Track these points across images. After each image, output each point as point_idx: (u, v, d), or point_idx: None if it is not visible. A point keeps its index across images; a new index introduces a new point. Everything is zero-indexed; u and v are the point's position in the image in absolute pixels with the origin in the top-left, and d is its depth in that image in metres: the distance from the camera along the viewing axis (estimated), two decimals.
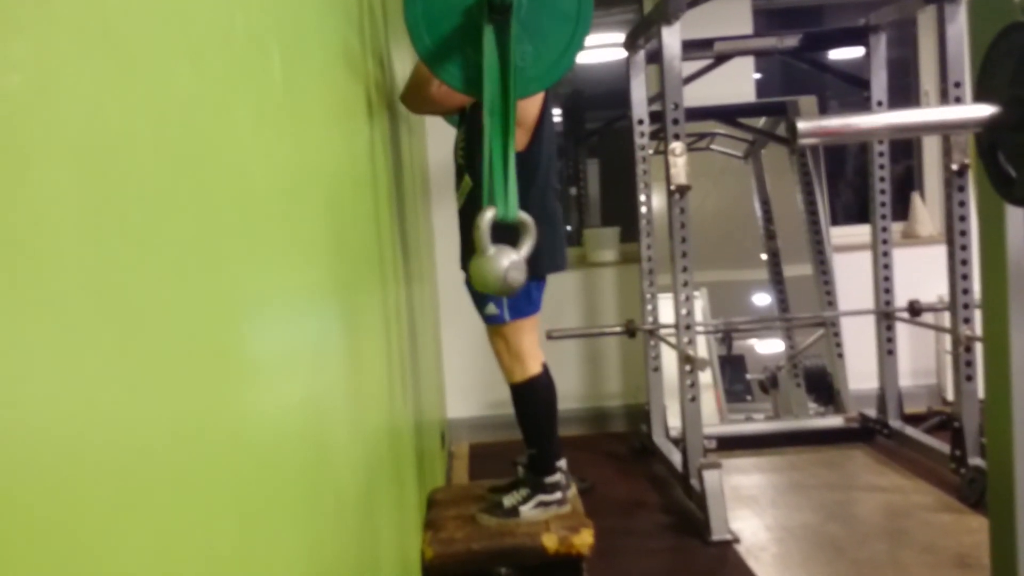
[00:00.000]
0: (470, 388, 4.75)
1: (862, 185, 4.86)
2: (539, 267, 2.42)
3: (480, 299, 2.54)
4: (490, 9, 1.39)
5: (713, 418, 4.60)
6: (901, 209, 4.98)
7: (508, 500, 2.56)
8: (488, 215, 1.40)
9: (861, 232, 4.68)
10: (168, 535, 0.60)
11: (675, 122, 3.43)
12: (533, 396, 2.59)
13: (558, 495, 2.57)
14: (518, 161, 2.35)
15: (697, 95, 4.33)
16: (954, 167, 3.49)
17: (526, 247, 1.42)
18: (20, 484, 0.41)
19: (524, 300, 2.51)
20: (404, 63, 3.12)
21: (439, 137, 4.88)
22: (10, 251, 0.41)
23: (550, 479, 2.56)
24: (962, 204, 3.53)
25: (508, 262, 1.39)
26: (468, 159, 2.53)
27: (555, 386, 2.63)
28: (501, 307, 2.51)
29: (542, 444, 2.59)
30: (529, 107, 2.38)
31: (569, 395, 2.89)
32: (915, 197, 5.05)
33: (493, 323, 2.55)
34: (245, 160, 0.87)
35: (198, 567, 0.65)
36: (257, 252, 0.89)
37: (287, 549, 0.94)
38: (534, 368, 2.58)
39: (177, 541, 0.61)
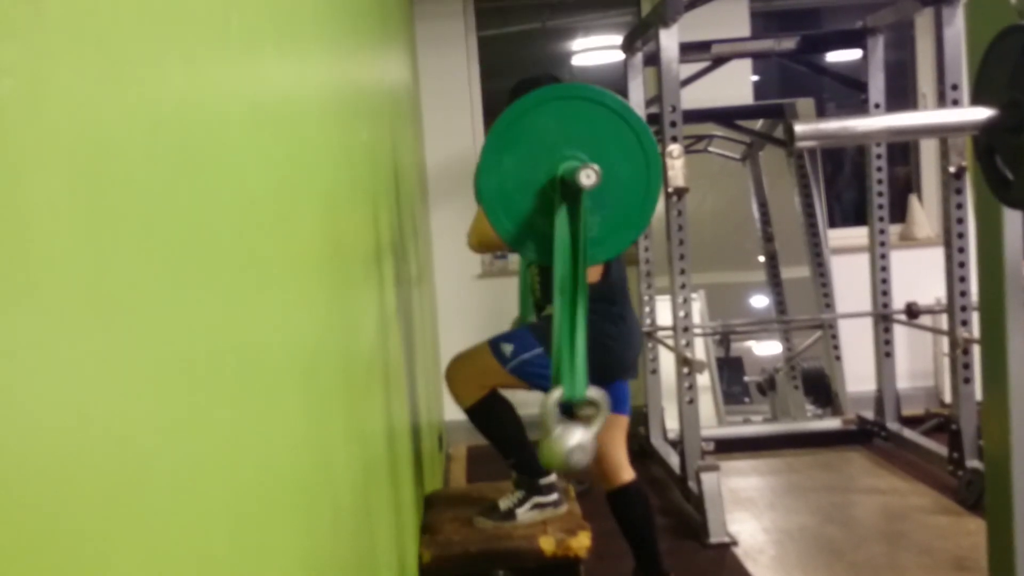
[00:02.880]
0: None
1: (860, 187, 4.86)
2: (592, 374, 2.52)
3: (506, 335, 2.60)
4: (563, 186, 1.43)
5: (711, 420, 4.60)
6: (899, 211, 4.98)
7: (504, 503, 2.56)
8: (554, 396, 1.43)
9: (859, 234, 4.69)
10: (162, 538, 0.59)
11: (673, 124, 3.43)
12: (484, 419, 2.62)
13: (554, 496, 2.56)
14: (594, 291, 2.43)
15: (695, 97, 4.33)
16: (952, 169, 3.49)
17: (596, 425, 1.44)
18: (17, 485, 0.41)
19: (540, 372, 2.52)
20: (402, 68, 3.12)
21: (437, 140, 4.89)
22: (5, 253, 0.41)
23: (544, 480, 2.56)
24: (959, 206, 3.53)
25: (574, 444, 1.43)
26: (544, 293, 2.62)
27: (506, 401, 2.64)
28: (516, 355, 2.54)
29: (516, 452, 2.61)
30: None
31: None
32: (912, 199, 5.06)
33: (494, 356, 2.55)
34: (241, 161, 0.87)
35: (192, 570, 0.65)
36: (253, 254, 0.89)
37: (283, 552, 0.93)
38: (469, 401, 2.60)
39: (172, 544, 0.61)
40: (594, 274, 2.50)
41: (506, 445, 2.63)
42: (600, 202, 1.45)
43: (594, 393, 1.44)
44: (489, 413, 2.62)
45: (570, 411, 1.46)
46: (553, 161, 1.46)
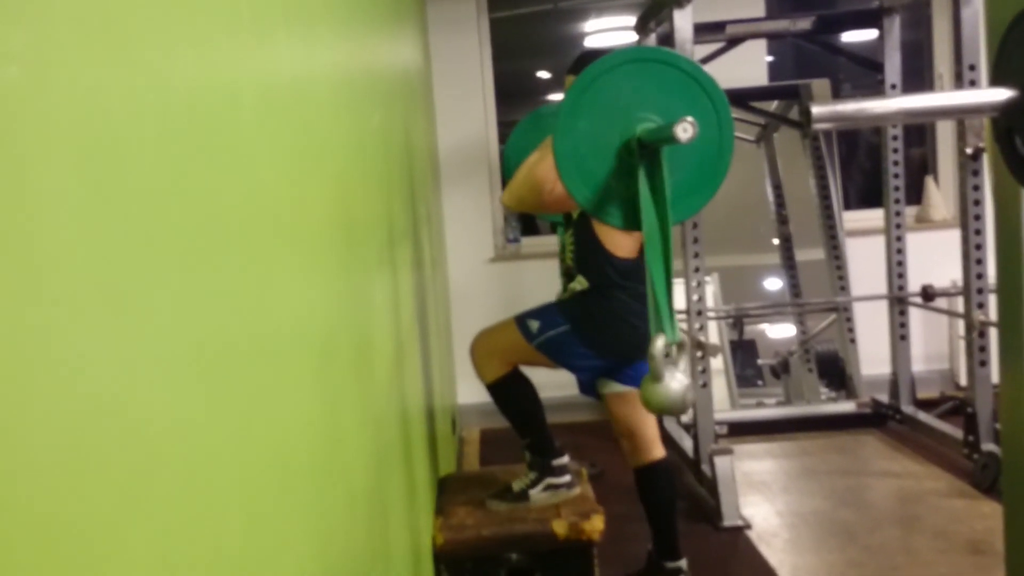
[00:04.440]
0: None
1: (875, 169, 4.82)
2: (602, 348, 2.54)
3: (533, 312, 2.61)
4: (640, 147, 1.45)
5: (724, 404, 4.59)
6: (914, 193, 4.94)
7: (517, 484, 2.57)
8: (660, 342, 1.46)
9: (874, 216, 4.65)
10: (176, 528, 0.59)
11: None
12: (505, 395, 2.63)
13: (567, 477, 2.57)
14: (627, 266, 2.40)
15: None
16: (968, 151, 3.46)
17: (683, 365, 1.49)
18: (26, 483, 0.41)
19: (565, 352, 2.56)
20: (414, 51, 3.10)
21: (449, 123, 4.87)
22: (12, 249, 0.41)
23: (557, 461, 2.57)
24: (976, 188, 3.50)
25: (682, 386, 1.48)
26: (580, 263, 2.61)
27: (528, 381, 2.65)
28: (543, 332, 2.55)
29: (533, 432, 2.62)
30: None
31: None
32: (929, 181, 5.01)
33: (521, 332, 2.55)
34: (252, 147, 0.87)
35: (206, 558, 0.65)
36: (265, 241, 0.89)
37: (297, 537, 0.93)
38: (491, 376, 2.61)
39: (185, 533, 0.61)
40: (633, 248, 2.51)
41: (524, 424, 2.63)
42: (675, 163, 1.47)
43: (681, 336, 1.49)
44: (510, 391, 2.63)
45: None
46: (628, 124, 1.47)
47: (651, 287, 1.49)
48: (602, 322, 2.49)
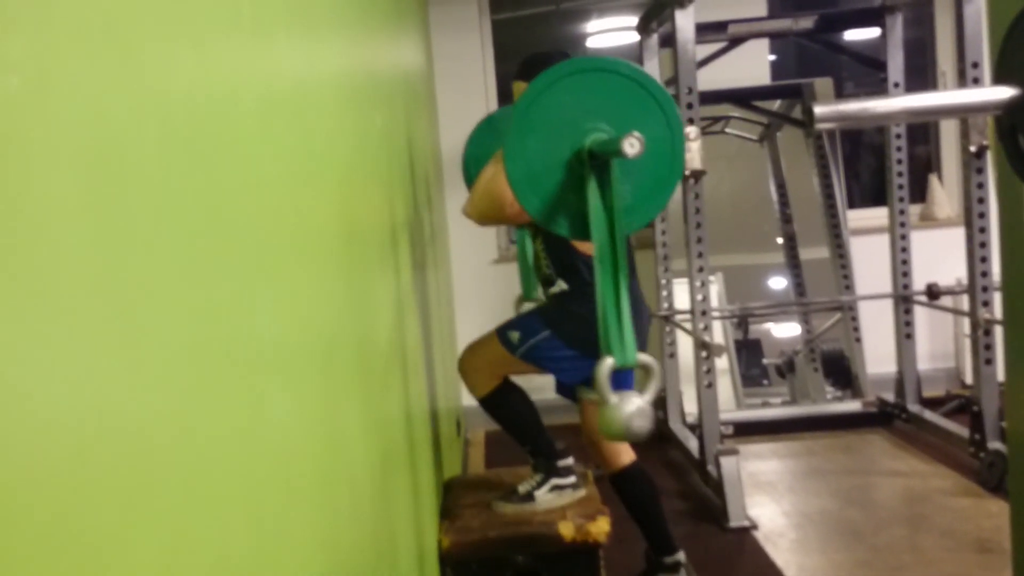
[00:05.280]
0: None
1: (879, 167, 4.81)
2: (593, 349, 2.52)
3: (512, 323, 2.63)
4: (591, 158, 1.42)
5: (730, 404, 4.59)
6: (919, 191, 4.93)
7: (523, 486, 2.57)
8: (606, 365, 1.41)
9: (878, 215, 4.64)
10: (179, 531, 0.59)
11: (689, 106, 3.40)
12: (500, 408, 2.65)
13: (572, 478, 2.57)
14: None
15: (711, 78, 4.29)
16: (972, 149, 3.45)
17: (651, 391, 1.42)
18: (27, 485, 0.41)
19: (550, 358, 2.56)
20: (416, 53, 3.10)
21: (452, 124, 4.87)
22: (13, 251, 0.41)
23: (562, 463, 2.57)
24: (981, 186, 3.49)
25: (633, 410, 1.40)
26: (556, 267, 2.61)
27: (520, 389, 2.66)
28: (524, 342, 2.56)
29: (532, 438, 2.63)
30: None
31: None
32: (933, 179, 5.00)
33: (502, 343, 2.56)
34: (254, 150, 0.86)
35: (210, 562, 0.65)
36: (268, 243, 0.89)
37: (302, 540, 0.93)
38: (483, 390, 2.63)
39: (189, 537, 0.61)
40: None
41: (522, 432, 2.65)
42: (628, 170, 1.45)
43: (645, 358, 1.43)
44: (503, 403, 2.65)
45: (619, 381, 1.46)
46: (576, 136, 1.45)
47: (601, 304, 1.44)
48: (583, 321, 2.49)
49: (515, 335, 2.57)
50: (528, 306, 3.00)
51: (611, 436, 1.44)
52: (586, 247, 2.50)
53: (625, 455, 2.69)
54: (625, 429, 1.40)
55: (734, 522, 3.22)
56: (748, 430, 4.23)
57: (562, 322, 2.53)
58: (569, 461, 2.60)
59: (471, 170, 2.92)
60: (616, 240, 1.44)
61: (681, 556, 2.67)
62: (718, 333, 4.54)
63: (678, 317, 4.16)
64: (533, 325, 2.56)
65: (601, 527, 2.40)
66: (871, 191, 5.60)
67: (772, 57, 5.16)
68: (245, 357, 0.78)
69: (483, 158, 2.66)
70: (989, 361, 3.51)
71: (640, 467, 2.72)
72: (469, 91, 4.93)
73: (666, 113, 1.49)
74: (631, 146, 1.34)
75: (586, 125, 1.46)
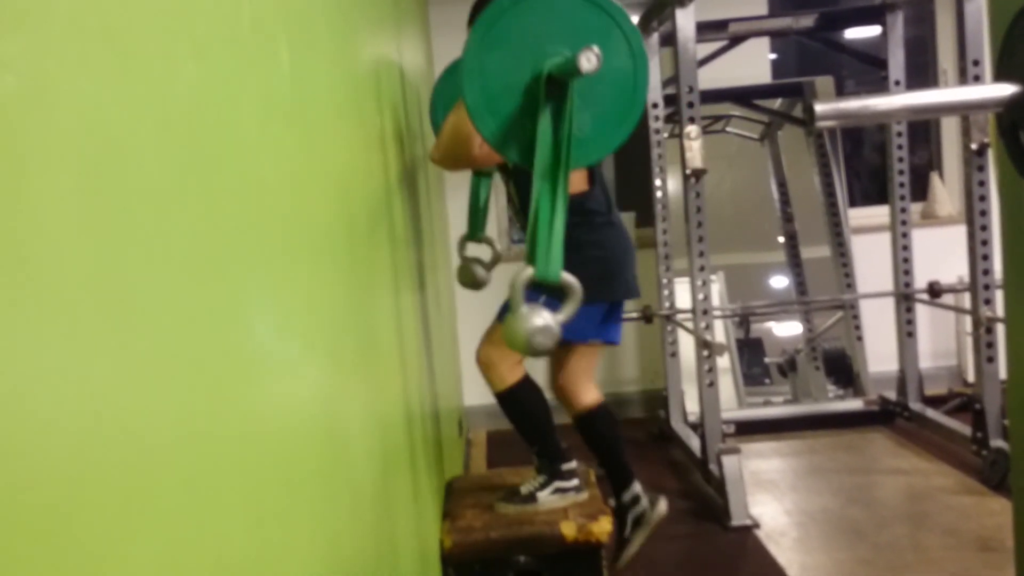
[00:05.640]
0: None
1: (880, 165, 4.81)
2: (591, 295, 2.46)
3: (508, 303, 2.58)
4: (549, 84, 1.40)
5: (731, 403, 4.59)
6: (920, 189, 4.92)
7: (525, 487, 2.56)
8: (524, 275, 1.38)
9: (880, 213, 4.64)
10: (179, 533, 0.59)
11: (690, 105, 3.40)
12: (517, 403, 2.61)
13: (575, 482, 2.56)
14: (580, 200, 2.39)
15: (712, 77, 4.29)
16: (973, 146, 3.45)
17: (567, 311, 1.40)
18: (26, 485, 0.41)
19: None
20: (416, 54, 3.10)
21: None
22: (12, 253, 0.41)
23: (566, 466, 2.56)
24: (982, 184, 3.49)
25: (539, 324, 1.37)
26: (525, 208, 2.54)
27: (538, 389, 2.64)
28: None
29: (541, 440, 2.61)
30: None
31: None
32: (934, 177, 5.00)
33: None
34: (253, 156, 0.86)
35: (210, 564, 0.65)
36: (267, 247, 0.89)
37: (303, 542, 0.93)
38: (512, 378, 2.59)
39: (188, 539, 0.61)
40: (578, 183, 2.49)
41: (533, 433, 2.63)
42: (588, 100, 1.42)
43: (568, 278, 1.41)
44: (521, 400, 2.61)
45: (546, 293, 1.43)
46: (537, 59, 1.42)
47: (532, 218, 1.42)
48: (571, 269, 2.45)
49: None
50: (472, 247, 2.97)
51: (513, 346, 1.42)
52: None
53: (590, 395, 2.69)
54: (527, 341, 1.38)
55: (736, 521, 3.22)
56: (750, 429, 4.22)
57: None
58: (573, 464, 2.58)
59: (438, 115, 2.87)
60: (561, 163, 1.42)
61: (637, 486, 2.69)
62: (719, 332, 4.54)
63: (679, 316, 4.16)
64: (529, 296, 2.54)
65: (603, 527, 2.40)
66: (872, 189, 5.59)
67: (773, 56, 5.16)
68: (244, 358, 0.78)
69: (451, 103, 2.57)
70: (991, 359, 3.51)
71: (605, 408, 2.73)
72: None
73: (631, 45, 1.46)
74: (588, 60, 1.31)
75: (547, 49, 1.43)
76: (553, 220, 1.42)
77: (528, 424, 2.62)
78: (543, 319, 1.37)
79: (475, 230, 2.86)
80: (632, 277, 2.70)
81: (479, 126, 1.46)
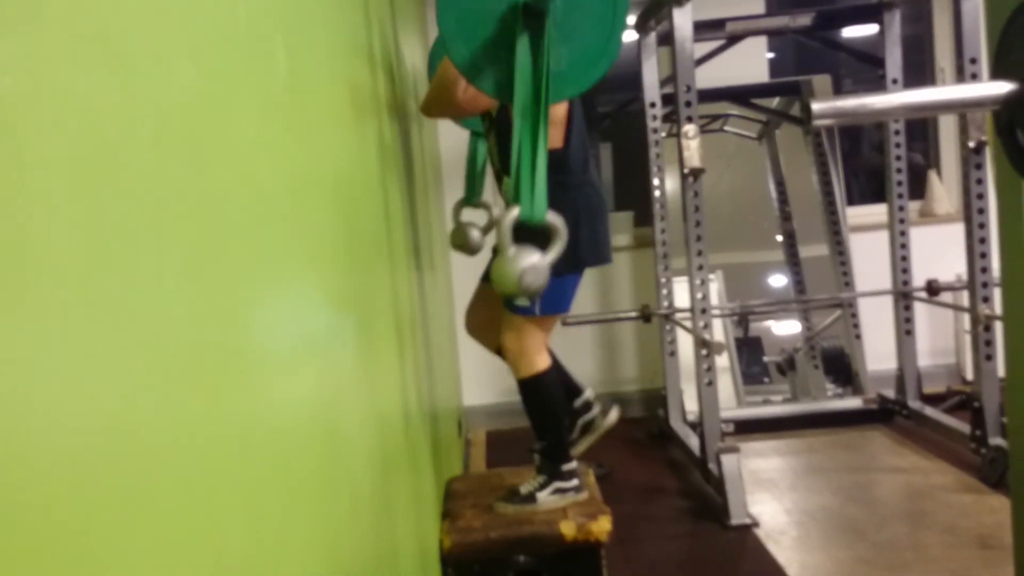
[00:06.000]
0: (486, 375, 4.74)
1: (878, 164, 4.81)
2: (573, 261, 2.44)
3: None
4: (525, 14, 1.38)
5: (730, 402, 4.59)
6: (918, 188, 4.93)
7: (525, 487, 2.56)
8: (511, 214, 1.37)
9: (878, 212, 4.64)
10: (176, 534, 0.59)
11: (688, 104, 3.40)
12: (541, 392, 2.58)
13: (575, 482, 2.56)
14: (555, 158, 2.37)
15: (709, 76, 4.29)
16: (971, 144, 3.45)
17: (553, 251, 1.38)
18: (24, 486, 0.41)
19: (559, 295, 2.50)
20: (414, 53, 3.10)
21: (451, 124, 4.86)
22: (10, 253, 0.41)
23: (567, 466, 2.56)
24: (980, 182, 3.49)
25: (527, 264, 1.36)
26: (504, 162, 2.51)
27: (560, 386, 2.63)
28: (534, 299, 2.49)
29: (553, 435, 2.59)
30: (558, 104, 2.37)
31: (585, 381, 2.91)
32: (932, 175, 5.00)
33: (521, 314, 2.53)
34: (250, 156, 0.86)
35: (209, 565, 0.65)
36: (264, 247, 0.89)
37: (302, 542, 0.93)
38: (541, 364, 2.56)
39: (186, 540, 0.61)
40: (557, 137, 2.44)
41: (548, 424, 2.59)
42: (566, 34, 1.41)
43: (553, 217, 1.40)
44: (545, 389, 2.58)
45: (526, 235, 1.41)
46: None
47: (515, 158, 1.40)
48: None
49: (524, 299, 2.51)
50: (467, 212, 2.94)
51: (503, 287, 1.41)
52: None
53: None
54: (518, 282, 1.37)
55: (735, 520, 3.22)
56: (749, 428, 4.23)
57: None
58: (573, 465, 2.58)
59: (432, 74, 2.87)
60: (541, 97, 1.40)
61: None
62: (718, 331, 4.54)
63: (678, 315, 4.16)
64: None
65: (603, 526, 2.40)
66: (870, 188, 5.60)
67: (770, 55, 5.16)
68: (242, 357, 0.78)
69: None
70: (990, 357, 3.51)
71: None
72: None
73: None
74: None
75: None
76: (536, 159, 1.40)
77: (546, 415, 2.59)
78: (531, 258, 1.36)
79: (472, 195, 2.83)
80: (606, 243, 2.63)
81: (452, 53, 1.44)
